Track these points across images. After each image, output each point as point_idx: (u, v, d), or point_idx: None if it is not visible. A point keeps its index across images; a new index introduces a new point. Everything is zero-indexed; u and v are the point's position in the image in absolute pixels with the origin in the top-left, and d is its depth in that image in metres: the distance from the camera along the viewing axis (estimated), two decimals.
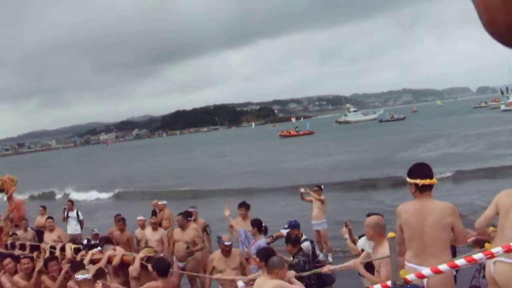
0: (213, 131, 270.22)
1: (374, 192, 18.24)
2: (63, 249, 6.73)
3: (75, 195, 24.96)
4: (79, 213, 11.59)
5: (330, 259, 9.07)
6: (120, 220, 8.71)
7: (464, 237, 3.67)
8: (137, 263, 5.61)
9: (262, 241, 6.41)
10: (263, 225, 6.75)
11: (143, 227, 8.46)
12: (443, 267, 3.31)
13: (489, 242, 3.84)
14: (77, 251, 6.62)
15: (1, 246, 7.89)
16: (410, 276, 3.36)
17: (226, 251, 5.71)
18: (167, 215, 9.64)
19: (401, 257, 3.98)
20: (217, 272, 5.56)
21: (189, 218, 7.98)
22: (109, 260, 6.02)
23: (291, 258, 5.36)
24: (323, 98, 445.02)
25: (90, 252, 6.41)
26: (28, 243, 7.57)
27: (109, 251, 6.24)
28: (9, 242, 7.80)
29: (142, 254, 5.83)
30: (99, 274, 5.41)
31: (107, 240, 7.01)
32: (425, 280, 3.46)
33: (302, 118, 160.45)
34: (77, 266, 5.62)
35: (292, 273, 4.50)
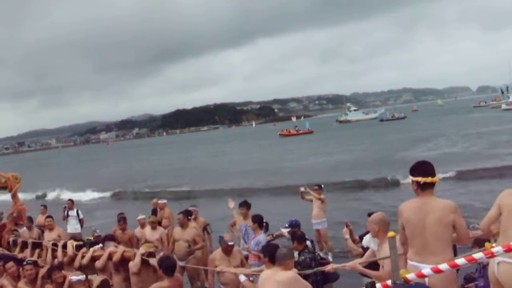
0: (213, 130, 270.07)
1: (373, 192, 18.24)
2: (64, 246, 6.72)
3: (70, 195, 24.72)
4: (79, 212, 11.60)
5: (330, 258, 9.08)
6: (121, 219, 8.73)
7: (466, 236, 3.67)
8: (137, 259, 5.61)
9: (261, 236, 6.43)
10: (264, 221, 6.76)
11: (143, 226, 8.47)
12: (443, 266, 3.31)
13: (489, 241, 3.85)
14: (78, 248, 6.62)
15: (3, 243, 7.90)
16: (410, 276, 3.36)
17: (228, 250, 5.71)
18: (167, 214, 9.65)
19: (404, 256, 3.98)
20: (221, 272, 5.55)
21: (189, 217, 8.00)
22: (110, 257, 6.02)
23: (297, 256, 5.39)
24: (323, 97, 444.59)
25: (92, 249, 6.41)
26: (30, 241, 7.56)
27: (110, 247, 6.24)
28: (11, 239, 7.80)
29: (142, 249, 5.83)
30: (103, 285, 5.39)
31: (110, 238, 7.01)
32: (426, 278, 3.46)
33: (302, 117, 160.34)
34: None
35: (294, 270, 4.52)
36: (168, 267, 4.89)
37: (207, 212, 14.91)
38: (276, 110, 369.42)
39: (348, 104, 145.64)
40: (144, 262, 5.59)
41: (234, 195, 19.52)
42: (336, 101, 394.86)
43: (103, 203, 23.69)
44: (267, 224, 6.99)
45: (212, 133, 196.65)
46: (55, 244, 6.95)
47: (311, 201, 9.84)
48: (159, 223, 9.09)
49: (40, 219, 10.60)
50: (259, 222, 6.56)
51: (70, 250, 6.61)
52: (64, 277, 5.96)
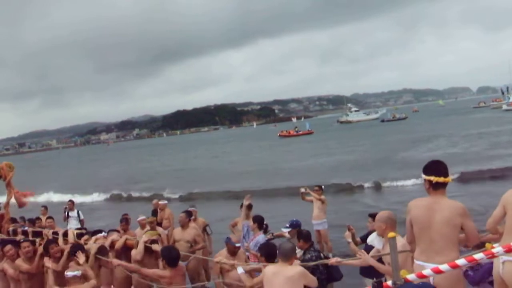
0: (213, 131, 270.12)
1: (371, 194, 18.15)
2: (65, 234, 6.69)
3: (61, 197, 24.59)
4: (80, 212, 11.62)
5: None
6: (123, 220, 8.73)
7: (476, 237, 3.66)
8: (141, 246, 5.55)
9: (260, 237, 6.43)
10: (265, 223, 6.77)
11: (143, 227, 8.48)
12: (443, 267, 3.31)
13: (489, 242, 3.85)
14: (79, 236, 6.58)
15: (3, 233, 7.89)
16: (411, 276, 3.36)
17: (234, 251, 5.71)
18: (167, 215, 9.66)
19: (411, 255, 3.97)
20: (225, 271, 5.54)
21: (189, 218, 8.00)
22: (112, 244, 5.97)
23: (302, 254, 5.41)
24: (323, 98, 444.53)
25: (94, 237, 6.37)
26: (30, 229, 7.55)
27: (113, 235, 6.19)
28: (11, 228, 7.78)
29: (145, 237, 5.79)
30: (101, 252, 5.40)
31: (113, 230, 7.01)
32: (431, 278, 3.45)
33: (302, 118, 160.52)
34: (77, 248, 5.58)
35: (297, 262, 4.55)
36: (171, 257, 4.88)
37: (207, 213, 14.93)
38: (276, 111, 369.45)
39: (349, 105, 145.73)
40: (147, 250, 5.54)
41: (234, 196, 19.70)
42: (337, 101, 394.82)
43: (100, 205, 23.65)
44: (266, 225, 6.99)
45: (212, 134, 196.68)
46: (55, 233, 6.91)
47: (312, 202, 9.84)
48: (159, 224, 9.10)
49: (42, 219, 10.60)
50: (259, 222, 6.57)
51: (71, 238, 6.56)
52: (62, 251, 5.95)
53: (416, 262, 3.66)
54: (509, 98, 78.60)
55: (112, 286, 6.01)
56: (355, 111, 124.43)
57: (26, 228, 8.72)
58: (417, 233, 3.68)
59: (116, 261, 5.59)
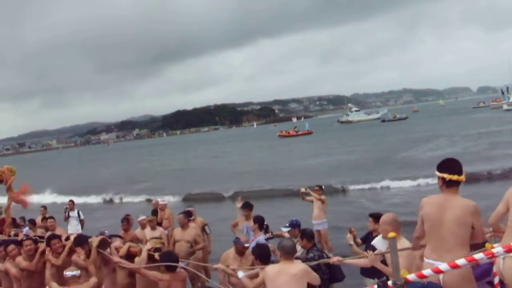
0: (213, 131, 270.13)
1: (368, 196, 17.99)
2: (67, 239, 6.70)
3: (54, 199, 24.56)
4: (80, 212, 11.62)
5: None
6: (124, 220, 8.75)
7: (481, 234, 3.66)
8: (144, 254, 5.56)
9: (260, 238, 6.42)
10: (265, 223, 6.77)
11: (143, 227, 8.48)
12: (444, 267, 3.31)
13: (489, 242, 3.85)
14: None
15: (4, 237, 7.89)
16: (411, 276, 3.36)
17: (242, 252, 5.69)
18: (167, 215, 9.64)
19: (417, 251, 3.99)
20: (229, 272, 5.53)
21: (189, 218, 8.01)
22: (115, 252, 5.95)
23: (305, 253, 5.41)
24: (323, 98, 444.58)
25: (95, 238, 6.36)
26: (32, 235, 7.56)
27: (116, 242, 6.19)
28: (12, 233, 7.79)
29: (149, 245, 5.80)
30: (102, 245, 5.40)
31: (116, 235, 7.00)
32: (440, 276, 3.44)
33: (302, 118, 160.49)
34: (81, 240, 5.60)
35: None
36: (170, 262, 4.88)
37: (207, 213, 14.92)
38: (276, 111, 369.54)
39: (350, 105, 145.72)
40: (150, 258, 5.55)
41: (234, 196, 19.69)
42: (337, 101, 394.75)
43: (101, 206, 23.63)
44: (267, 226, 6.99)
45: (212, 134, 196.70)
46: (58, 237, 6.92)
47: (312, 202, 9.84)
48: (159, 224, 9.09)
49: (40, 220, 10.60)
50: (260, 223, 6.57)
51: None
52: (64, 246, 5.97)
53: (426, 260, 3.64)
54: (509, 98, 78.60)
55: None
56: (356, 111, 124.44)
57: (28, 232, 8.74)
58: (428, 230, 3.67)
59: (116, 258, 5.59)
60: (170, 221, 9.42)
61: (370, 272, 5.22)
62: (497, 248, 3.42)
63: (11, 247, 6.16)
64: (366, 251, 5.43)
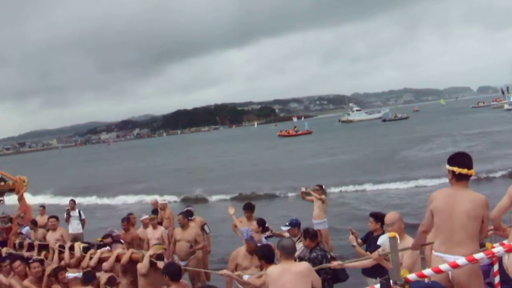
0: (214, 131, 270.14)
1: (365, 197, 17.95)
2: (72, 248, 6.71)
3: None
4: (81, 212, 11.62)
5: None
6: (125, 220, 8.76)
7: (486, 230, 3.66)
8: (146, 260, 5.57)
9: (262, 239, 6.42)
10: (266, 225, 6.79)
11: (146, 226, 8.49)
12: (444, 267, 3.31)
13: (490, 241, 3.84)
14: (86, 249, 6.59)
15: (9, 245, 7.92)
16: (411, 276, 3.36)
17: (253, 251, 5.66)
18: (167, 215, 9.64)
19: (422, 244, 3.99)
20: (242, 269, 5.52)
21: (190, 218, 8.01)
22: (118, 259, 5.98)
23: (308, 253, 5.41)
24: (324, 98, 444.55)
25: (99, 250, 6.38)
26: (36, 243, 7.55)
27: (118, 249, 6.20)
28: (17, 241, 7.80)
29: (151, 251, 5.80)
30: (110, 282, 5.39)
31: (117, 240, 6.99)
32: (450, 272, 3.43)
33: (303, 118, 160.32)
34: (90, 276, 5.55)
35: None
36: (173, 272, 4.85)
37: (208, 213, 14.93)
38: (277, 111, 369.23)
39: (351, 104, 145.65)
40: (153, 264, 5.56)
41: (233, 196, 19.72)
42: (337, 101, 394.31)
43: (101, 206, 23.61)
44: (267, 228, 7.01)
45: (212, 134, 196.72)
46: (62, 246, 6.93)
47: (312, 201, 9.84)
48: (160, 223, 9.10)
49: (39, 219, 10.60)
50: (263, 226, 6.61)
51: (77, 252, 6.57)
52: (43, 270, 5.96)
53: (435, 253, 3.64)
54: (509, 98, 78.64)
55: None
56: (357, 110, 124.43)
57: (28, 232, 8.76)
58: (438, 224, 3.66)
59: None
60: (171, 221, 9.42)
61: (372, 271, 5.22)
62: (498, 248, 3.43)
63: (17, 263, 6.15)
64: (367, 251, 5.46)
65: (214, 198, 20.87)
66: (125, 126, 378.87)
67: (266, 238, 6.51)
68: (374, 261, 4.57)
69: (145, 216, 8.67)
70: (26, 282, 6.00)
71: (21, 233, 8.61)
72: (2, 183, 8.48)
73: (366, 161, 28.36)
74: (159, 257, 5.65)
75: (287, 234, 6.28)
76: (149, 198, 15.32)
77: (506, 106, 74.37)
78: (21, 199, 8.24)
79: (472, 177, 3.75)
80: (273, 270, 4.25)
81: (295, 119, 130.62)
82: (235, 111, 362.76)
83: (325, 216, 9.75)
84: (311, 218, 9.78)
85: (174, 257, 7.46)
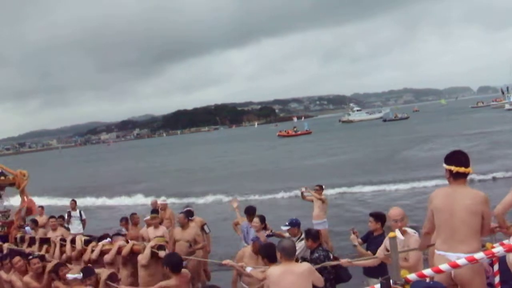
0: (213, 131, 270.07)
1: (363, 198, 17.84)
2: (73, 241, 6.69)
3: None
4: (82, 212, 11.64)
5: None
6: (123, 219, 8.78)
7: (489, 227, 3.65)
8: (147, 251, 5.54)
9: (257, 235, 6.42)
10: (266, 225, 6.79)
11: (150, 225, 8.49)
12: (444, 266, 3.31)
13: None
14: (87, 243, 6.58)
15: (11, 240, 7.92)
16: (411, 276, 3.36)
17: (258, 250, 5.67)
18: (168, 215, 9.64)
19: (428, 245, 3.99)
20: (240, 270, 5.52)
21: (189, 218, 8.01)
22: (119, 251, 5.96)
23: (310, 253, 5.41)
24: (324, 98, 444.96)
25: (100, 243, 6.37)
26: (37, 237, 7.55)
27: (119, 241, 6.18)
28: (18, 235, 7.79)
29: (153, 242, 5.78)
30: (111, 278, 5.40)
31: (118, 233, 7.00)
32: (452, 270, 3.42)
33: (303, 118, 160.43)
34: (88, 273, 5.59)
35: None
36: (174, 264, 4.85)
37: (209, 213, 14.93)
38: (277, 111, 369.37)
39: (351, 104, 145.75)
40: (154, 255, 5.53)
41: (233, 196, 19.67)
42: (337, 101, 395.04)
43: (101, 206, 23.61)
44: (266, 226, 7.02)
45: (212, 134, 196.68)
46: (63, 240, 6.91)
47: (312, 201, 9.83)
48: (160, 224, 9.10)
49: (39, 219, 10.61)
50: (264, 222, 6.62)
51: (79, 245, 6.56)
52: (44, 266, 5.91)
53: (437, 252, 3.64)
54: (509, 98, 78.65)
55: None
56: (358, 110, 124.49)
57: (29, 232, 8.76)
58: (439, 222, 3.66)
59: None
60: (171, 221, 9.42)
61: (373, 271, 5.23)
62: (498, 248, 3.43)
63: (16, 259, 6.11)
64: (367, 251, 5.46)
65: (214, 198, 20.85)
66: (125, 126, 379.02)
67: (266, 237, 6.51)
68: (380, 260, 4.58)
69: (149, 216, 8.69)
70: (26, 278, 5.97)
71: (22, 226, 8.62)
72: (2, 178, 8.43)
73: (366, 161, 28.33)
74: (161, 247, 5.64)
75: (286, 234, 6.29)
76: (147, 199, 15.38)
77: (507, 106, 74.27)
78: (22, 193, 8.21)
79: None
80: (273, 271, 4.20)
81: (295, 119, 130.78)
82: (235, 111, 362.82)
83: (325, 216, 9.75)
84: (311, 218, 9.79)
85: None
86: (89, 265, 6.13)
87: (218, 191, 22.16)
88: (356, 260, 5.05)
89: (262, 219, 6.63)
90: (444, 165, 3.70)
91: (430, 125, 58.60)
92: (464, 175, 3.62)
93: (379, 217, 5.57)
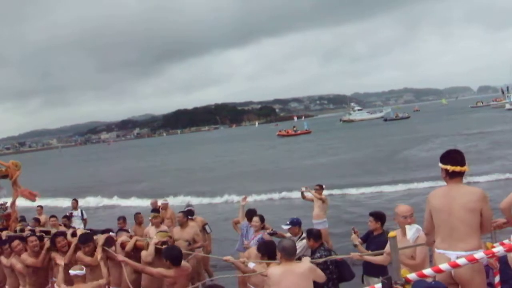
0: (214, 130, 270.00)
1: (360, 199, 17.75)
2: (74, 234, 6.69)
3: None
4: (83, 212, 11.66)
5: None
6: (120, 218, 8.80)
7: (490, 223, 3.65)
8: (151, 248, 5.53)
9: (261, 236, 6.43)
10: (266, 225, 6.81)
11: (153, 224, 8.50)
12: (444, 266, 3.31)
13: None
14: None
15: (10, 232, 7.90)
16: (411, 276, 3.36)
17: None
18: (169, 215, 9.64)
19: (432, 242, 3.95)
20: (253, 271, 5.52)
21: (190, 217, 8.02)
22: (122, 246, 5.93)
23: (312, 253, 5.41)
24: (324, 97, 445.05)
25: (101, 236, 6.36)
26: (37, 229, 7.54)
27: (122, 236, 6.16)
28: (18, 228, 7.78)
29: (156, 239, 5.77)
30: (108, 243, 5.40)
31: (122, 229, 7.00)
32: (452, 269, 3.41)
33: (303, 117, 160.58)
34: (87, 237, 5.60)
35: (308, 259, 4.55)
36: (173, 256, 4.90)
37: (210, 213, 14.93)
38: (277, 110, 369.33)
39: (352, 104, 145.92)
40: (158, 252, 5.53)
41: (234, 196, 19.67)
42: (337, 101, 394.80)
43: (102, 206, 23.60)
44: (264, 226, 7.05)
45: (212, 133, 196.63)
46: (60, 233, 6.92)
47: (312, 201, 9.83)
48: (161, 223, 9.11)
49: (43, 218, 10.63)
50: (263, 221, 6.64)
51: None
52: (69, 243, 5.95)
53: (437, 251, 3.64)
54: (510, 98, 78.64)
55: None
56: (359, 110, 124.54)
57: (31, 227, 8.75)
58: (437, 222, 3.66)
59: (120, 257, 5.56)
60: (172, 221, 9.42)
61: (373, 271, 5.23)
62: (498, 248, 3.43)
63: (15, 242, 6.15)
64: (367, 250, 5.46)
65: (214, 198, 20.85)
66: (125, 126, 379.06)
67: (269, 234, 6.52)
68: (390, 258, 4.58)
69: (151, 215, 8.69)
70: (23, 255, 6.01)
71: (22, 219, 8.61)
72: None
73: (365, 161, 28.33)
74: (164, 243, 5.64)
75: (287, 235, 6.29)
76: (148, 199, 15.35)
77: (508, 106, 74.16)
78: (14, 183, 8.15)
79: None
80: (274, 271, 4.19)
81: (296, 119, 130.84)
82: (235, 110, 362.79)
83: (325, 216, 9.74)
84: (311, 218, 9.78)
85: None
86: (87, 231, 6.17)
87: (218, 191, 22.16)
88: (366, 254, 5.04)
89: (262, 218, 6.64)
90: (440, 165, 3.70)
91: (431, 125, 58.57)
92: (460, 173, 3.62)
93: (379, 217, 5.58)
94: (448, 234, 3.57)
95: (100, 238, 5.68)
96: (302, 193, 9.99)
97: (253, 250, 5.75)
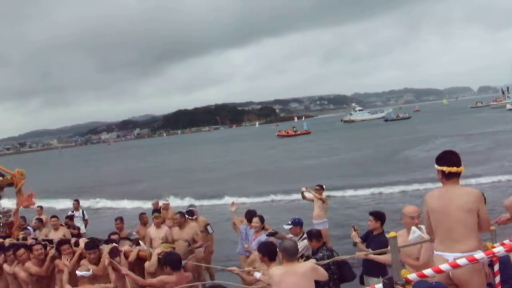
0: (214, 131, 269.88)
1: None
2: (76, 244, 6.71)
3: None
4: (84, 212, 11.66)
5: None
6: (118, 219, 8.82)
7: (488, 223, 3.65)
8: (154, 259, 5.56)
9: (262, 237, 6.44)
10: (266, 225, 6.81)
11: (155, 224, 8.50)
12: (444, 266, 3.32)
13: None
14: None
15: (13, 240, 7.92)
16: (411, 276, 3.37)
17: None
18: (170, 215, 9.64)
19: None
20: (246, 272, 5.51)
21: (190, 217, 8.02)
22: (125, 255, 5.94)
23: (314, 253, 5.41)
24: (324, 98, 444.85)
25: (106, 246, 6.39)
26: (40, 238, 7.55)
27: (125, 246, 6.17)
28: (21, 236, 7.80)
29: (159, 249, 5.78)
30: (112, 253, 5.43)
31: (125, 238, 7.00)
32: (450, 270, 3.40)
33: (303, 118, 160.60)
34: (92, 245, 5.60)
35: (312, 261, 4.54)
36: (173, 262, 4.90)
37: (210, 213, 14.93)
38: (277, 111, 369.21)
39: (353, 104, 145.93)
40: (161, 262, 5.53)
41: (233, 196, 19.67)
42: (337, 101, 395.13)
43: (102, 206, 23.61)
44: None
45: (213, 134, 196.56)
46: (63, 241, 6.91)
47: (312, 201, 9.84)
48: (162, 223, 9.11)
49: (45, 218, 10.61)
50: (263, 222, 6.63)
51: (82, 247, 6.59)
52: (74, 252, 5.95)
53: (436, 252, 3.65)
54: (510, 98, 78.66)
55: None
56: (359, 110, 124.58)
57: (33, 234, 8.76)
58: (435, 223, 3.67)
59: (124, 270, 5.52)
60: (173, 221, 9.43)
61: (373, 271, 5.24)
62: (498, 248, 3.44)
63: (21, 251, 6.15)
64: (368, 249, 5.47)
65: (214, 198, 20.85)
66: (126, 126, 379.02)
67: (267, 235, 6.53)
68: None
69: (152, 216, 8.69)
70: (27, 264, 6.01)
71: (25, 227, 8.62)
72: (1, 178, 8.43)
73: (366, 162, 28.33)
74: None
75: (289, 235, 6.30)
76: (148, 199, 15.39)
77: (508, 106, 74.05)
78: (19, 192, 8.20)
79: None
80: (276, 272, 4.18)
81: (296, 119, 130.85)
82: (236, 111, 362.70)
83: (326, 216, 9.74)
84: (311, 218, 9.79)
85: None
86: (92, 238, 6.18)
87: (218, 191, 22.18)
88: (370, 253, 5.04)
89: (262, 219, 6.64)
90: (436, 166, 3.70)
91: (431, 125, 58.56)
92: (457, 174, 3.63)
93: (379, 216, 5.59)
94: (445, 236, 3.57)
95: (105, 248, 5.67)
96: (302, 193, 10.00)
97: (257, 255, 5.74)
